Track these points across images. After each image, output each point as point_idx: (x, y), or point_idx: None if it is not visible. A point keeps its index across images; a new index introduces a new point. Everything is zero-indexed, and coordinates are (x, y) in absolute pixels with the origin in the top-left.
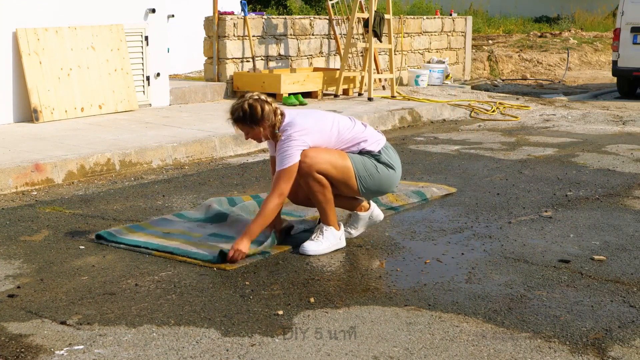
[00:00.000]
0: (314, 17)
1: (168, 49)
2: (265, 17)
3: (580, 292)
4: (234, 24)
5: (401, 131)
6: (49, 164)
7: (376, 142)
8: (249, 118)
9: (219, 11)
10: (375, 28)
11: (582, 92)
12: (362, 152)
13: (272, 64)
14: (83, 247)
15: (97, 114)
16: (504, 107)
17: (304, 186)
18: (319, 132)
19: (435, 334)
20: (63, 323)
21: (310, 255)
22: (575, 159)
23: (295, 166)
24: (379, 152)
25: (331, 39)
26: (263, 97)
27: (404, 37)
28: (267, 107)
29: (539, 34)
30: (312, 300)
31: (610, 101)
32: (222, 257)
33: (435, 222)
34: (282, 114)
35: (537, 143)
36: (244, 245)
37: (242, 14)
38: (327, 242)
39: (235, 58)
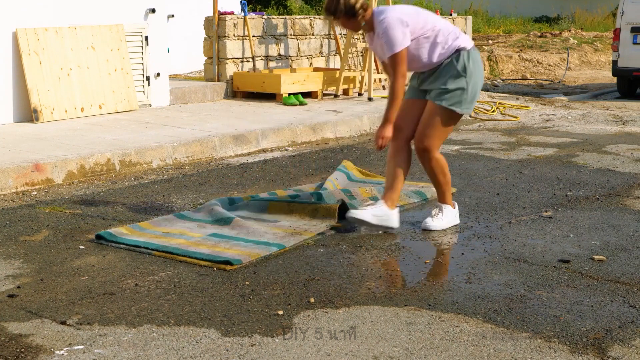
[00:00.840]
0: (314, 17)
1: (168, 49)
2: (265, 17)
3: (580, 292)
4: (234, 24)
5: None
6: (49, 164)
7: (467, 39)
8: (346, 9)
9: (219, 11)
10: None
11: (582, 92)
12: (458, 50)
13: (272, 64)
14: (83, 247)
15: (97, 114)
16: (504, 107)
17: (424, 167)
18: (415, 13)
19: (435, 334)
20: (63, 323)
21: (430, 231)
22: (575, 159)
23: (404, 48)
24: (470, 50)
25: (331, 39)
26: None
27: None
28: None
29: (539, 34)
30: (312, 300)
31: (610, 101)
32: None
33: None
34: (367, 5)
35: (537, 143)
36: (388, 131)
37: (242, 14)
38: (446, 218)
39: (235, 58)
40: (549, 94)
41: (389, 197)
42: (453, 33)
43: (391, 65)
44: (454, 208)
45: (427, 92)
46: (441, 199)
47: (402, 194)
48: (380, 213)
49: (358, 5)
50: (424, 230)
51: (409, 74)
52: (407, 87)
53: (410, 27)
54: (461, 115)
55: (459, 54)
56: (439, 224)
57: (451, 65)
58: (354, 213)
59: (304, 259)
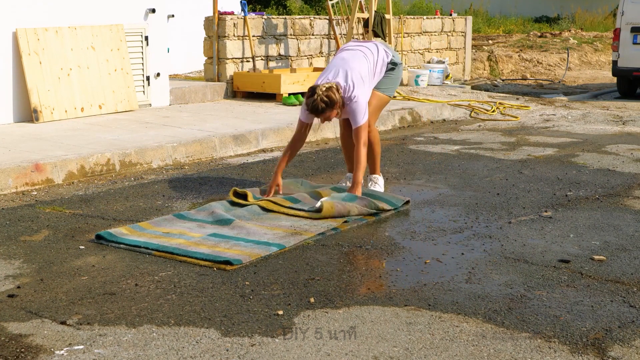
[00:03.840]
0: (314, 17)
1: (168, 49)
2: (265, 17)
3: (580, 292)
4: (234, 24)
5: (401, 131)
6: (49, 164)
7: (388, 50)
8: (330, 105)
9: (219, 11)
10: (375, 28)
11: (582, 92)
12: (388, 64)
13: (272, 64)
14: (83, 247)
15: (97, 114)
16: (504, 107)
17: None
18: (368, 81)
19: (435, 334)
20: (63, 323)
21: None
22: (575, 159)
23: (367, 120)
24: (393, 56)
25: (331, 39)
26: (325, 86)
27: (404, 37)
28: (334, 91)
29: (539, 34)
30: (312, 300)
31: (610, 101)
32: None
33: (435, 222)
34: (338, 88)
35: (537, 143)
36: (359, 192)
37: (242, 14)
38: (380, 186)
39: (235, 58)
40: (549, 94)
41: (376, 169)
42: (379, 53)
43: (358, 132)
44: (380, 176)
45: None
46: (375, 170)
47: (374, 199)
48: (381, 183)
49: (338, 96)
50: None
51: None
52: None
53: (374, 77)
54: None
55: (391, 60)
56: (380, 189)
57: (389, 68)
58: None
59: (304, 259)
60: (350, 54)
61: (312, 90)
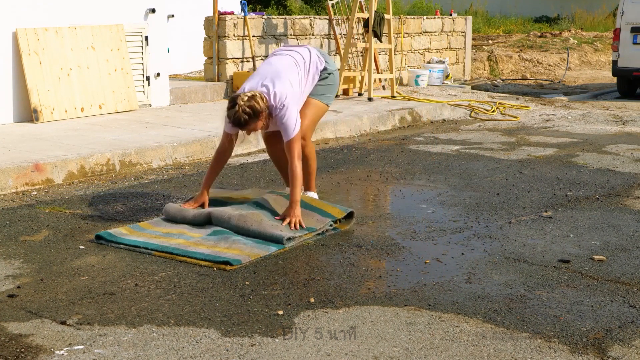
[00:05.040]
0: (314, 17)
1: (168, 49)
2: (265, 17)
3: (580, 292)
4: (234, 24)
5: (401, 131)
6: (49, 164)
7: (321, 56)
8: (254, 116)
9: (219, 11)
10: (375, 28)
11: (582, 92)
12: (321, 72)
13: None
14: (83, 247)
15: (97, 114)
16: (504, 107)
17: (303, 154)
18: (298, 89)
19: (435, 334)
20: (63, 323)
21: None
22: (575, 159)
23: (298, 132)
24: (327, 62)
25: (331, 39)
26: (247, 95)
27: (404, 37)
28: (258, 100)
29: (539, 34)
30: (312, 300)
31: (610, 101)
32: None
33: (435, 222)
34: (262, 96)
35: (537, 143)
36: (297, 211)
37: (242, 14)
38: None
39: (235, 58)
40: (549, 94)
41: (312, 186)
42: (311, 59)
43: (290, 145)
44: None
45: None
46: (310, 186)
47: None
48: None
49: (262, 105)
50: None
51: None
52: None
53: (305, 82)
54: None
55: (325, 68)
56: None
57: (324, 76)
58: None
59: (303, 259)
60: (278, 59)
61: (233, 100)
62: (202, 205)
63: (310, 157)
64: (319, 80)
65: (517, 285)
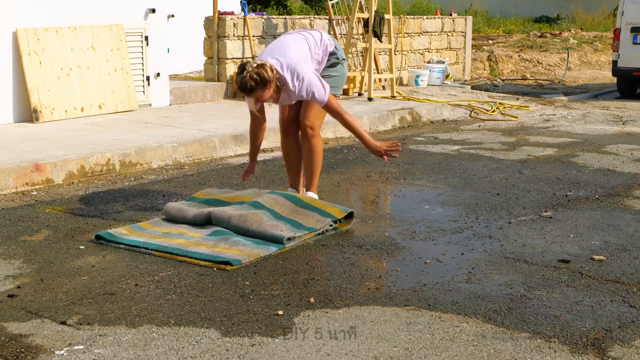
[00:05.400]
0: (314, 17)
1: (168, 49)
2: (265, 17)
3: (580, 292)
4: (234, 24)
5: (401, 131)
6: (49, 164)
7: (332, 40)
8: (260, 83)
9: (219, 11)
10: (375, 28)
11: (582, 92)
12: (329, 56)
13: None
14: (83, 247)
15: (97, 114)
16: (504, 107)
17: (309, 150)
18: (309, 57)
19: (435, 334)
20: (63, 323)
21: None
22: (575, 159)
23: (329, 92)
24: (336, 48)
25: None
26: (256, 62)
27: (404, 37)
28: (267, 69)
29: (539, 34)
30: (312, 300)
31: (610, 101)
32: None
33: (435, 222)
34: (272, 68)
35: (537, 143)
36: (377, 145)
37: (242, 14)
38: None
39: (236, 58)
40: (549, 94)
41: (314, 185)
42: (322, 40)
43: (331, 111)
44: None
45: None
46: (311, 186)
47: (317, 218)
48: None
49: (270, 74)
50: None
51: None
52: None
53: (313, 63)
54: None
55: (334, 52)
56: None
57: (331, 62)
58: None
59: (303, 259)
60: (288, 36)
61: (242, 66)
62: (247, 174)
63: (315, 151)
64: (327, 67)
65: (517, 285)
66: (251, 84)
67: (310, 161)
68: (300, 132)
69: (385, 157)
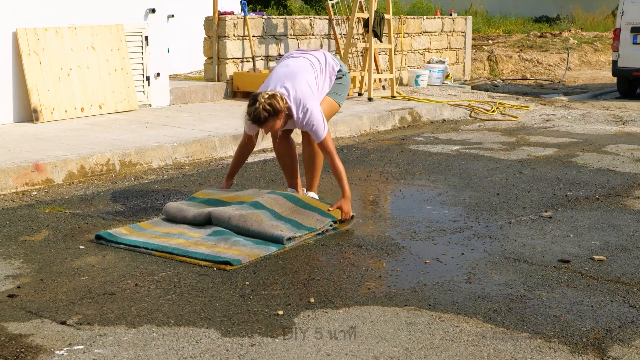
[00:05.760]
0: (314, 17)
1: (168, 49)
2: (265, 17)
3: (580, 292)
4: (234, 24)
5: (401, 131)
6: (49, 164)
7: (335, 59)
8: (273, 114)
9: (219, 11)
10: (375, 28)
11: (582, 92)
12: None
13: (272, 63)
14: (83, 247)
15: (97, 114)
16: (504, 107)
17: (311, 153)
18: (315, 89)
19: (435, 334)
20: (63, 323)
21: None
22: (575, 159)
23: (328, 131)
24: (340, 65)
25: (331, 39)
26: (267, 93)
27: (404, 37)
28: (278, 99)
29: (539, 34)
30: (312, 300)
31: (610, 101)
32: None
33: (435, 222)
34: (282, 97)
35: (537, 143)
36: (348, 205)
37: (242, 14)
38: None
39: (235, 58)
40: (549, 94)
41: (314, 186)
42: (327, 62)
43: (324, 149)
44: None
45: None
46: (312, 186)
47: (317, 218)
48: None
49: (282, 104)
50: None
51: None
52: None
53: (316, 95)
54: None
55: (340, 70)
56: None
57: (339, 77)
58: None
59: (303, 259)
60: (293, 61)
61: (254, 98)
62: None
63: (318, 154)
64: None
65: (517, 285)
66: (264, 114)
67: (312, 164)
68: (302, 136)
69: (344, 218)
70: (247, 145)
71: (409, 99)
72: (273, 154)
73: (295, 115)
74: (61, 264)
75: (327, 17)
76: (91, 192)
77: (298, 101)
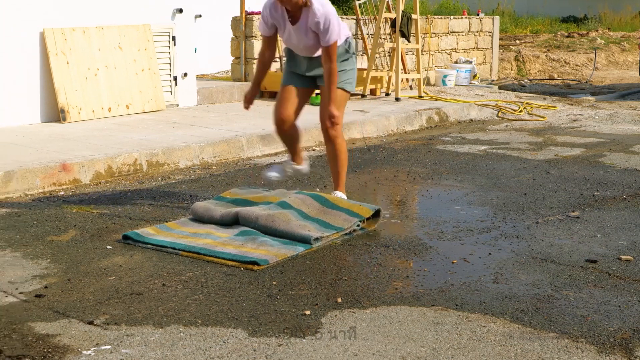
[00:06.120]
0: (342, 17)
1: (195, 49)
2: None
3: (607, 292)
4: None
5: (428, 131)
6: (76, 164)
7: (346, 27)
8: None
9: (246, 11)
10: (402, 28)
11: (610, 92)
12: (346, 38)
13: None
14: (110, 247)
15: (124, 114)
16: (531, 107)
17: (334, 147)
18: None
19: (463, 334)
20: (90, 323)
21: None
22: (603, 159)
23: (336, 39)
24: (350, 38)
25: (358, 39)
26: None
27: (431, 37)
28: None
29: (566, 34)
30: (339, 300)
31: (638, 101)
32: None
33: (463, 222)
34: None
35: (565, 143)
36: (333, 109)
37: None
38: None
39: None
40: (576, 94)
41: (341, 185)
42: (342, 23)
43: (330, 52)
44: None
45: (316, 78)
46: (339, 185)
47: (344, 217)
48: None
49: None
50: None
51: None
52: (284, 73)
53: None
54: (350, 95)
55: (347, 41)
56: None
57: (343, 50)
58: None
59: (331, 259)
60: None
61: None
62: (245, 98)
63: (341, 151)
64: (340, 61)
65: (545, 285)
66: None
67: (336, 162)
68: (323, 135)
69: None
70: (265, 53)
71: (436, 99)
72: (303, 153)
73: (316, 6)
74: (88, 264)
75: (355, 17)
76: (118, 192)
77: (320, 5)
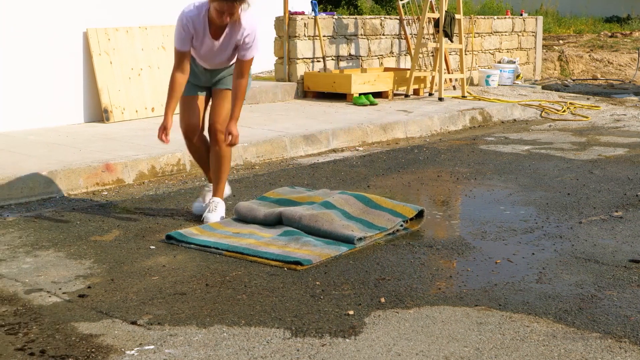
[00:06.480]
0: (385, 17)
1: None
2: (335, 17)
3: None
4: (305, 24)
5: (472, 131)
6: (119, 164)
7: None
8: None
9: (289, 11)
10: (445, 28)
11: None
12: None
13: (342, 64)
14: (153, 247)
15: None
16: (575, 107)
17: (220, 152)
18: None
19: (506, 334)
20: (134, 323)
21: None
22: None
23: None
24: None
25: (402, 39)
26: None
27: (474, 37)
28: None
29: (610, 34)
30: (382, 300)
31: None
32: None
33: (506, 222)
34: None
35: (608, 143)
36: (235, 127)
37: (313, 14)
38: (221, 211)
39: (306, 58)
40: (619, 94)
41: (220, 190)
42: None
43: (245, 67)
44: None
45: (215, 83)
46: (220, 192)
47: (388, 217)
48: (222, 209)
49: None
50: (205, 222)
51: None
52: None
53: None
54: None
55: None
56: (216, 217)
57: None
58: (209, 219)
59: (374, 259)
60: None
61: None
62: (165, 130)
63: (224, 157)
64: None
65: (588, 285)
66: None
67: (218, 166)
68: (210, 136)
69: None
70: (185, 70)
71: (479, 99)
72: (344, 154)
73: (244, 21)
74: (132, 264)
75: (398, 17)
76: (162, 192)
77: (249, 22)
